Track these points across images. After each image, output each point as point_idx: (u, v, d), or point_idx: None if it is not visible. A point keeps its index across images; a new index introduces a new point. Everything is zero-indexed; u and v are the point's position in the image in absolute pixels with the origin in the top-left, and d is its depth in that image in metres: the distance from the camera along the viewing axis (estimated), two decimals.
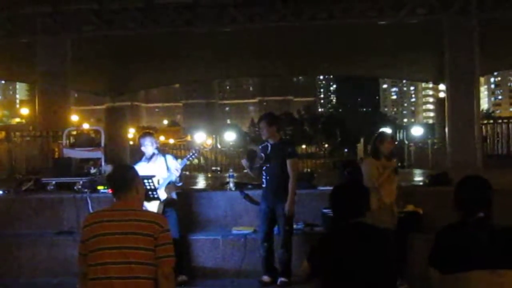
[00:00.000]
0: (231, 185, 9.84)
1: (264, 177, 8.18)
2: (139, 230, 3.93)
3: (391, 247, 4.15)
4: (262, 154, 8.20)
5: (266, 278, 8.14)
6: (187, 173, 8.51)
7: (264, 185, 8.23)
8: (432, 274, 3.93)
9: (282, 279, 8.00)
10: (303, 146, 78.72)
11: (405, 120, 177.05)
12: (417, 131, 35.38)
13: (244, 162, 8.51)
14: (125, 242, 3.90)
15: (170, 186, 8.30)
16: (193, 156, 8.75)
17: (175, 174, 8.27)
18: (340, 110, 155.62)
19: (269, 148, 8.15)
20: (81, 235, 4.12)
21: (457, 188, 4.10)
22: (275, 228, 8.22)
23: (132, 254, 3.88)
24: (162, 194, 8.23)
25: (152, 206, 7.87)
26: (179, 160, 8.62)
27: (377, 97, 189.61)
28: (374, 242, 4.10)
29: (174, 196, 8.41)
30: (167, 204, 8.22)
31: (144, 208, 4.39)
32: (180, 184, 8.62)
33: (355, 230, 4.14)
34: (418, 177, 15.63)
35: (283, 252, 8.05)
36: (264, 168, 8.14)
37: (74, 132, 14.37)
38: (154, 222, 3.98)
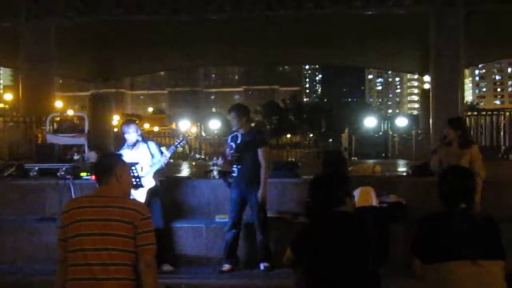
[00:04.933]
0: (215, 173, 9.85)
1: (235, 166, 8.19)
2: (119, 217, 3.91)
3: (371, 235, 4.18)
4: (232, 144, 8.21)
5: (226, 266, 8.20)
6: (171, 160, 8.50)
7: (235, 174, 8.24)
8: (414, 263, 3.97)
9: (265, 264, 8.09)
10: (288, 136, 78.97)
11: (390, 110, 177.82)
12: (401, 122, 35.62)
13: (220, 161, 8.59)
14: (105, 229, 3.88)
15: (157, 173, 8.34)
16: (181, 143, 8.77)
17: (163, 162, 8.28)
18: (325, 100, 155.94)
19: (240, 138, 8.17)
20: (60, 221, 4.09)
21: (440, 178, 4.13)
22: (250, 217, 8.30)
23: (111, 240, 3.86)
24: (149, 182, 8.21)
25: (139, 195, 7.84)
26: (164, 148, 8.62)
27: (362, 88, 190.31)
28: (355, 230, 4.14)
29: (158, 183, 8.40)
30: (152, 192, 8.21)
31: (131, 196, 4.37)
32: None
33: (336, 219, 4.18)
34: (402, 168, 15.69)
35: (263, 238, 8.13)
36: (235, 157, 8.15)
37: (58, 118, 14.25)
38: (134, 210, 3.96)
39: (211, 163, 9.93)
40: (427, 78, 30.59)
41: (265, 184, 8.04)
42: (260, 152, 8.04)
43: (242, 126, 8.21)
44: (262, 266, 8.11)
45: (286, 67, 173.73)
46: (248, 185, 8.04)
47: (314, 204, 4.33)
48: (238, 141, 8.18)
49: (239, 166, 8.14)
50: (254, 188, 8.04)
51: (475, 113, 25.27)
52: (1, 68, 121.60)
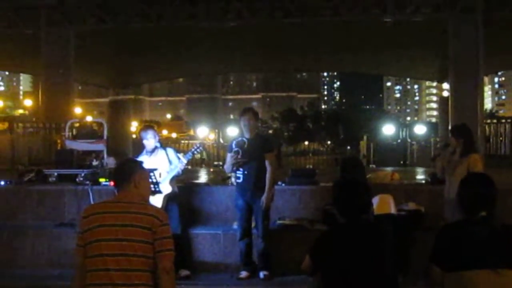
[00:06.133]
0: (233, 180, 9.82)
1: (240, 171, 8.08)
2: (137, 222, 3.91)
3: (391, 244, 4.13)
4: (239, 150, 8.10)
5: (244, 274, 8.17)
6: (189, 167, 8.52)
7: (240, 180, 8.13)
8: (434, 272, 3.92)
9: (265, 272, 8.05)
10: (306, 143, 78.73)
11: (408, 118, 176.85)
12: (420, 129, 35.40)
13: (227, 168, 8.47)
14: (123, 234, 3.88)
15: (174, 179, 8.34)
16: (198, 150, 8.72)
17: (180, 168, 8.27)
18: (343, 107, 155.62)
19: (246, 143, 8.09)
20: (79, 226, 4.10)
21: (460, 186, 4.08)
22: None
23: (130, 246, 3.86)
24: (166, 188, 8.21)
25: (156, 200, 7.85)
26: (181, 154, 8.62)
27: (380, 95, 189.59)
28: (376, 240, 4.08)
29: (176, 189, 8.40)
30: (169, 198, 8.21)
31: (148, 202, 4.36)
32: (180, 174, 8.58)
33: (358, 227, 4.13)
34: (421, 175, 15.58)
35: (264, 246, 8.07)
36: (241, 163, 8.04)
37: (77, 124, 14.32)
38: (152, 215, 3.96)
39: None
40: (446, 85, 30.44)
41: (270, 190, 7.97)
42: (267, 157, 7.99)
43: (253, 129, 8.15)
44: (261, 274, 8.06)
45: (304, 74, 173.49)
46: (254, 192, 7.98)
47: (339, 211, 4.23)
48: (245, 146, 8.09)
49: (245, 172, 8.03)
50: (260, 195, 7.96)
51: (495, 120, 25.10)
52: (21, 74, 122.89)
